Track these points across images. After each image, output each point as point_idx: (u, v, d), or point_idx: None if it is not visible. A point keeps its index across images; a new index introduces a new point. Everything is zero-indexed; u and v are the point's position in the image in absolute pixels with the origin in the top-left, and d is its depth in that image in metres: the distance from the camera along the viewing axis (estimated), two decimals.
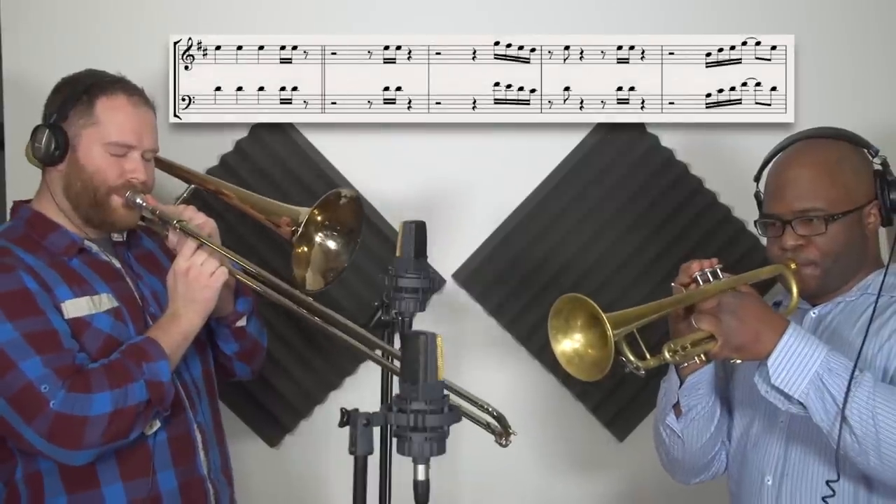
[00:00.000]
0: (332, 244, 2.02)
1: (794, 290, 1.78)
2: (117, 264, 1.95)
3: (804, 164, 1.82)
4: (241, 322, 2.05)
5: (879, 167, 1.82)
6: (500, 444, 1.87)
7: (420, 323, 1.74)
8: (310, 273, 1.99)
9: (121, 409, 1.74)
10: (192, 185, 2.17)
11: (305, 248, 1.99)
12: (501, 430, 1.85)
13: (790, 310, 1.79)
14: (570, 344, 1.66)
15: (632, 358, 1.66)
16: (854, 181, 1.80)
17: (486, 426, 1.86)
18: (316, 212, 1.97)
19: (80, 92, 1.87)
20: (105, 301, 1.86)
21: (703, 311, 1.68)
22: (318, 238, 2.01)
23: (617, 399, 2.52)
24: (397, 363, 1.83)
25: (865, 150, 1.84)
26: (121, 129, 1.88)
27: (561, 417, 2.56)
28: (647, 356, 1.68)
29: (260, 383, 2.37)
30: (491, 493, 2.54)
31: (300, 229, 1.93)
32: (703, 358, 1.70)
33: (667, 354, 1.67)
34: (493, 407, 1.85)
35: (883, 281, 1.75)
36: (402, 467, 1.53)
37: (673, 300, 1.72)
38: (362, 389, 2.49)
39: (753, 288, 1.74)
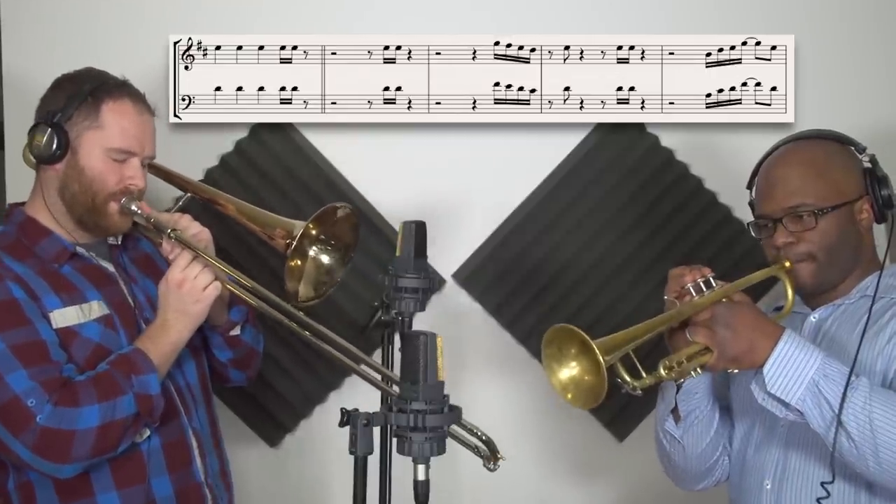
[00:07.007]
0: (325, 259, 1.97)
1: (789, 292, 1.78)
2: (111, 268, 1.93)
3: (791, 163, 1.82)
4: (235, 331, 2.04)
5: (868, 164, 1.82)
6: (489, 469, 1.84)
7: (420, 323, 1.74)
8: (302, 286, 1.95)
9: (109, 423, 1.71)
10: (189, 194, 2.12)
11: (299, 262, 1.94)
12: (489, 455, 1.83)
13: (785, 312, 1.79)
14: (567, 372, 1.65)
15: (628, 378, 1.65)
16: (842, 176, 1.80)
17: (475, 449, 1.83)
18: (311, 226, 1.92)
19: (84, 93, 1.84)
20: (95, 309, 1.84)
21: (697, 323, 1.68)
22: (312, 252, 1.96)
23: (617, 399, 2.48)
24: (388, 377, 1.83)
25: (853, 148, 1.84)
26: (125, 135, 1.86)
27: (560, 418, 2.56)
28: (644, 374, 1.66)
29: (260, 383, 2.37)
30: (491, 493, 2.54)
31: (294, 243, 1.88)
32: (700, 371, 1.69)
33: (662, 371, 1.66)
34: (482, 431, 1.82)
35: (878, 283, 1.75)
36: (403, 467, 1.53)
37: (664, 318, 1.70)
38: (362, 389, 2.47)
39: (748, 293, 1.73)
